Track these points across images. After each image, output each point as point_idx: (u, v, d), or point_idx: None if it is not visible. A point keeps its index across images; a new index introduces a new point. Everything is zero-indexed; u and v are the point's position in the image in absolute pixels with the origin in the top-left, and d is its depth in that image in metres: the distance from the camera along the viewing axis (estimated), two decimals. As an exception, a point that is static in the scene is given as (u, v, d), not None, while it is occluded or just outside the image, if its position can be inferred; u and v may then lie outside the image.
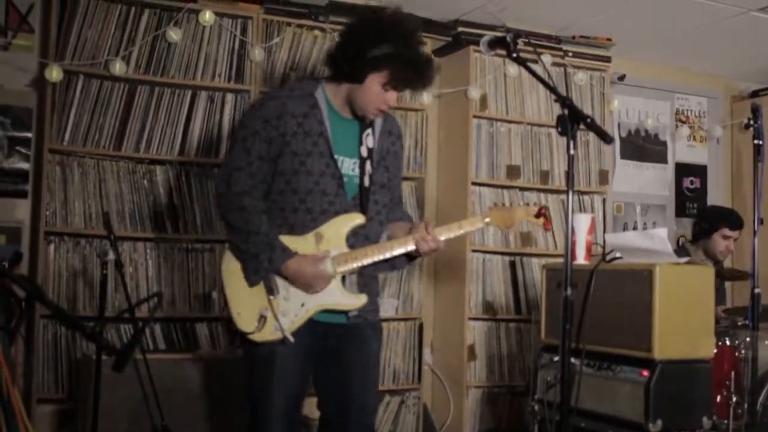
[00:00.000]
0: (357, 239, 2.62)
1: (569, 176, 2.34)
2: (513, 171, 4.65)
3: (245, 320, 2.55)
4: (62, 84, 3.77)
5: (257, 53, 4.09)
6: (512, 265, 4.71)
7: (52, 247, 3.79)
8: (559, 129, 2.31)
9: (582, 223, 3.42)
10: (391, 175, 2.76)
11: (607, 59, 4.88)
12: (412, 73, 2.47)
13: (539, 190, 4.76)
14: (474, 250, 4.59)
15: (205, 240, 4.06)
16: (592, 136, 4.90)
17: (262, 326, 2.52)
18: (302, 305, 2.56)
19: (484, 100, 4.60)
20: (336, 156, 2.57)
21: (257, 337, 2.55)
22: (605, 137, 2.36)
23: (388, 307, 4.44)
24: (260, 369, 2.57)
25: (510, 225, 2.67)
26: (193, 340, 4.01)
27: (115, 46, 3.86)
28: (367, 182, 2.61)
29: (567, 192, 2.36)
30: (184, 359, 3.62)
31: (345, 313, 2.61)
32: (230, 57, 4.07)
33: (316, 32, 4.18)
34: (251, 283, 2.53)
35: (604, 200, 4.94)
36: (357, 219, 2.60)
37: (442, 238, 2.61)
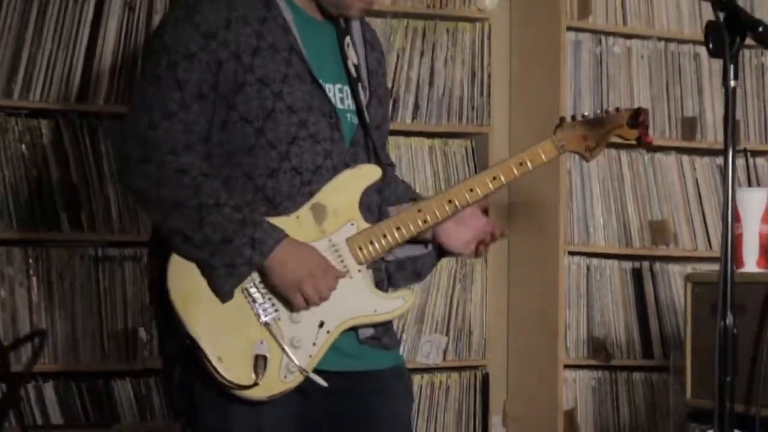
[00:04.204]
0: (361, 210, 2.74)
1: (728, 126, 2.33)
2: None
3: (234, 367, 2.55)
4: None
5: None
6: (636, 275, 4.75)
7: None
8: (711, 46, 2.33)
9: (753, 204, 3.44)
10: (384, 113, 2.88)
11: None
12: None
13: (680, 150, 4.82)
14: (572, 252, 4.63)
15: (125, 242, 4.09)
16: (768, 59, 4.99)
17: (263, 372, 2.55)
18: (321, 325, 2.62)
19: (585, 0, 4.62)
20: (319, 80, 2.70)
21: (261, 393, 2.55)
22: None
23: (429, 348, 4.40)
24: None
25: (595, 146, 2.74)
26: (108, 408, 4.02)
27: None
28: (367, 117, 2.75)
29: (724, 152, 2.34)
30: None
31: (355, 333, 2.69)
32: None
33: None
34: (225, 293, 2.56)
35: (790, 165, 5.00)
36: (372, 173, 2.70)
37: (488, 186, 2.69)
